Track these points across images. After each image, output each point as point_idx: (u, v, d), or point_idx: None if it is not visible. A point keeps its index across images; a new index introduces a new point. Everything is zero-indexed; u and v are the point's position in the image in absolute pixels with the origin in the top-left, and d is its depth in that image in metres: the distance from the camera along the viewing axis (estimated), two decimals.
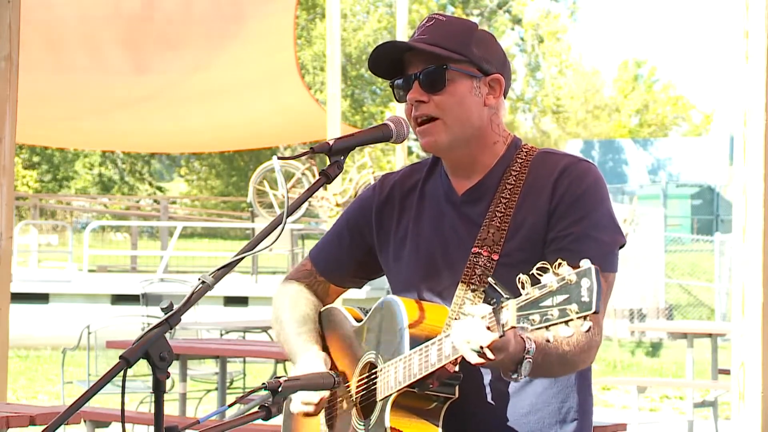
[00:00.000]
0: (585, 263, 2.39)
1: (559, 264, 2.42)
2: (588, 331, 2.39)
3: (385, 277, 3.15)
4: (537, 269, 2.45)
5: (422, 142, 2.94)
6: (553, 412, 2.92)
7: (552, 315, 2.40)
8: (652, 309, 20.54)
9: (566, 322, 2.39)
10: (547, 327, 2.42)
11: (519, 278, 2.46)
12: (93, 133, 19.39)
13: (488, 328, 2.53)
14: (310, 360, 3.02)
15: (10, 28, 5.39)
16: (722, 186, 35.02)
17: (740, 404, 4.55)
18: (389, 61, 2.96)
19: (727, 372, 9.57)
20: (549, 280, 2.42)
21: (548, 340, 2.45)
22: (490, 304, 2.55)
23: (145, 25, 14.54)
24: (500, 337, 2.51)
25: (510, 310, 2.48)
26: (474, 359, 2.58)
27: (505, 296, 2.50)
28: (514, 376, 2.59)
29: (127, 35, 14.74)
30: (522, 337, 2.55)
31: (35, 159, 38.75)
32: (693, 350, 10.41)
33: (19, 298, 15.46)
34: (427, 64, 2.90)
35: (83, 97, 16.50)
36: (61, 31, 14.02)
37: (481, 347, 2.54)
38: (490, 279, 2.54)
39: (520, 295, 2.48)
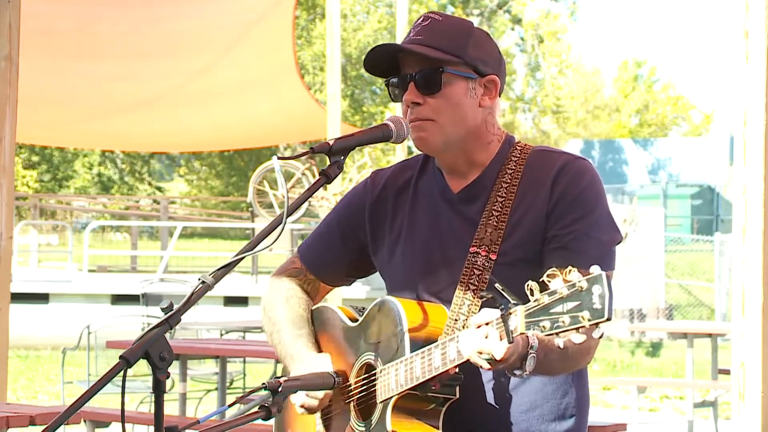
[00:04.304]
0: (595, 269, 2.39)
1: (570, 270, 2.42)
2: (600, 337, 2.40)
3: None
4: (546, 276, 2.45)
5: (413, 138, 2.92)
6: (552, 408, 2.92)
7: (563, 322, 2.40)
8: (652, 309, 20.54)
9: (577, 329, 2.39)
10: (557, 333, 2.42)
11: (528, 285, 2.46)
12: (92, 133, 19.40)
13: (498, 335, 2.53)
14: (314, 363, 2.99)
15: (10, 28, 5.39)
16: (722, 186, 35.00)
17: (740, 404, 4.55)
18: (386, 60, 2.95)
19: (727, 372, 9.57)
20: (559, 286, 2.42)
21: (560, 347, 2.44)
22: (497, 308, 2.55)
23: (145, 25, 14.54)
24: (509, 343, 2.52)
25: (518, 317, 2.48)
26: (486, 366, 2.59)
27: (512, 302, 2.50)
28: (519, 372, 2.59)
29: (128, 36, 14.74)
30: (526, 333, 2.55)
31: (35, 159, 38.75)
32: (693, 350, 10.40)
33: (19, 298, 15.45)
34: (423, 66, 2.88)
35: (83, 99, 16.51)
36: (62, 32, 14.01)
37: (494, 358, 2.55)
38: (497, 285, 2.53)
39: (522, 296, 2.47)
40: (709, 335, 10.44)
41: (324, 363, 2.99)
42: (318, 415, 3.06)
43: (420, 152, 3.07)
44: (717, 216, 33.30)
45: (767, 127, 4.56)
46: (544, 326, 2.43)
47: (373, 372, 2.91)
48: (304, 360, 3.01)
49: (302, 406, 2.96)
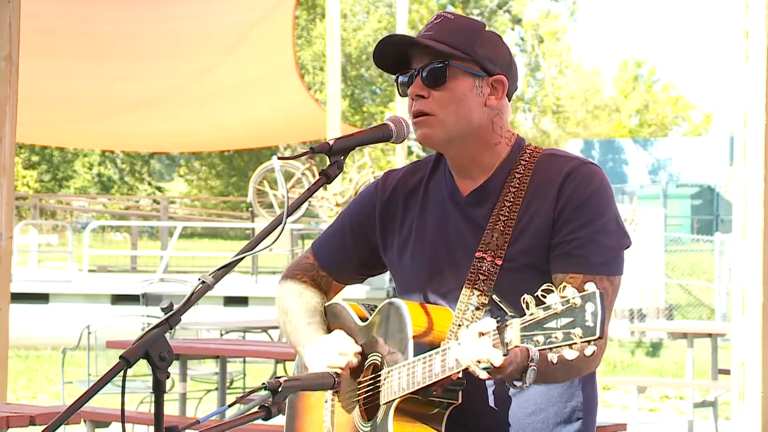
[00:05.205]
0: (590, 287, 2.39)
1: (564, 286, 2.43)
2: (592, 354, 2.40)
3: (384, 276, 3.15)
4: (542, 290, 2.45)
5: (416, 134, 2.93)
6: (557, 411, 2.91)
7: (556, 338, 2.41)
8: (652, 309, 20.54)
9: (570, 346, 2.40)
10: (551, 349, 2.42)
11: (523, 298, 2.46)
12: (92, 133, 19.42)
13: (494, 345, 2.53)
14: (327, 341, 3.00)
15: (10, 28, 5.39)
16: (722, 186, 34.99)
17: (740, 404, 4.55)
18: (395, 56, 2.96)
19: (727, 372, 9.56)
20: (553, 301, 2.42)
21: (553, 362, 2.45)
22: (494, 318, 2.55)
23: (146, 25, 14.54)
24: (504, 355, 2.52)
25: (514, 329, 2.48)
26: (483, 375, 2.59)
27: (509, 314, 2.50)
28: (519, 383, 2.59)
29: (128, 36, 14.74)
30: (526, 346, 2.55)
31: (35, 159, 38.75)
32: (693, 350, 10.40)
33: (19, 298, 15.45)
34: (430, 60, 2.89)
35: (83, 99, 16.51)
36: (62, 32, 14.01)
37: (492, 365, 2.55)
38: (494, 296, 2.53)
39: (524, 306, 2.47)
40: (709, 335, 10.43)
41: (336, 339, 3.00)
42: (326, 412, 3.07)
43: (424, 154, 3.07)
44: (717, 216, 33.29)
45: (767, 127, 4.56)
46: (537, 340, 2.43)
47: (379, 373, 2.91)
48: (316, 341, 3.03)
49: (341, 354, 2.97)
